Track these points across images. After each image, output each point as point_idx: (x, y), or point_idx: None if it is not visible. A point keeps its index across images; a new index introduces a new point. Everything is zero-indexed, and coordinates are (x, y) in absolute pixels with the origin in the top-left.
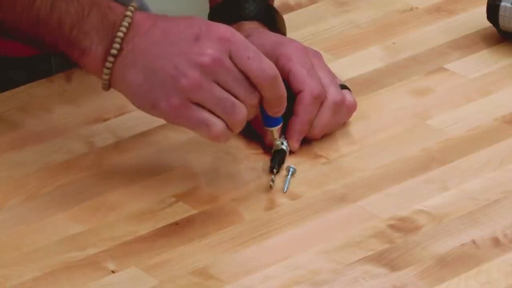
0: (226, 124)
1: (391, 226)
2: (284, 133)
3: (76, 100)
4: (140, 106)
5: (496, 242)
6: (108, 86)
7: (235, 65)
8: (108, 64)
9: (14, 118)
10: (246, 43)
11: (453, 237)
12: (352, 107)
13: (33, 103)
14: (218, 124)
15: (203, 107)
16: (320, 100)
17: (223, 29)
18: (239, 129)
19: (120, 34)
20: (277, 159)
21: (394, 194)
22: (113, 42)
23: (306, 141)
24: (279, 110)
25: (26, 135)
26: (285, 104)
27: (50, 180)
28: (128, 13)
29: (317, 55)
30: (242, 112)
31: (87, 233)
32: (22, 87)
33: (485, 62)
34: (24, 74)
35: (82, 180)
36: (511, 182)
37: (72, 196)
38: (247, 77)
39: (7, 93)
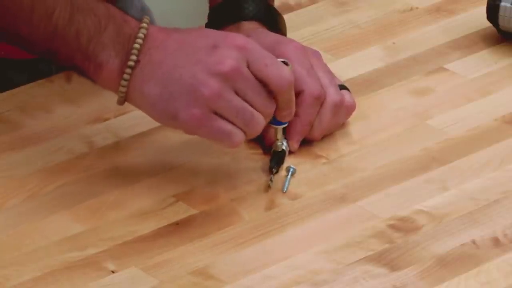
0: (245, 133)
1: (391, 226)
2: (283, 133)
3: (76, 100)
4: (159, 118)
5: (496, 242)
6: (124, 100)
7: (253, 73)
8: (125, 76)
9: (14, 118)
10: (262, 50)
11: (453, 237)
12: (351, 108)
13: (33, 103)
14: (238, 135)
15: (222, 116)
16: (320, 100)
17: (239, 38)
18: (254, 136)
19: (137, 46)
20: (276, 159)
21: (394, 194)
22: (129, 54)
23: (306, 141)
24: (288, 114)
25: (26, 135)
26: (293, 108)
27: (50, 180)
28: (144, 25)
29: (316, 54)
30: (260, 122)
31: (87, 233)
32: (22, 87)
33: (485, 62)
34: (25, 76)
35: (82, 180)
36: (511, 182)
37: (72, 196)
38: (264, 85)
39: (7, 93)
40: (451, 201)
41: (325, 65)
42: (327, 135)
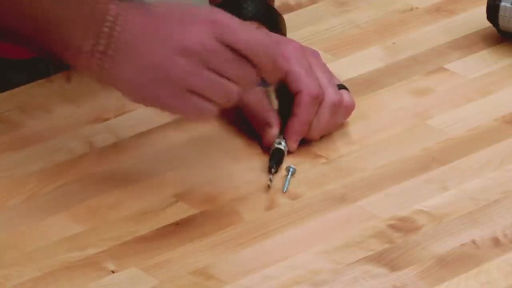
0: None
1: (391, 226)
2: (282, 133)
3: (76, 100)
4: (135, 100)
5: (496, 242)
6: (101, 81)
7: (223, 44)
8: (98, 61)
9: (14, 118)
10: (230, 19)
11: (453, 237)
12: (350, 107)
13: (33, 103)
14: (211, 108)
15: (195, 92)
16: (318, 100)
17: (206, 12)
18: (230, 105)
19: (105, 29)
20: (275, 159)
21: (394, 194)
22: (99, 37)
23: (306, 141)
24: (270, 73)
25: (26, 135)
26: (281, 68)
27: (50, 180)
28: (112, 6)
29: (315, 54)
30: (232, 93)
31: (87, 233)
32: (22, 87)
33: (485, 62)
34: (24, 76)
35: (82, 180)
36: (511, 182)
37: (72, 196)
38: (237, 53)
39: (7, 93)
40: (451, 201)
41: (324, 65)
42: (327, 135)
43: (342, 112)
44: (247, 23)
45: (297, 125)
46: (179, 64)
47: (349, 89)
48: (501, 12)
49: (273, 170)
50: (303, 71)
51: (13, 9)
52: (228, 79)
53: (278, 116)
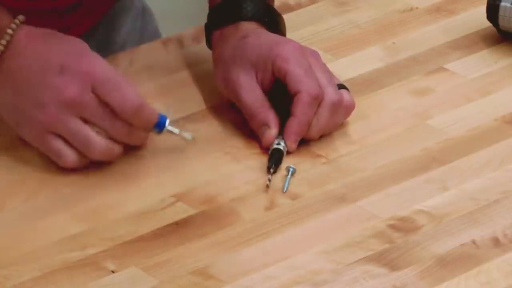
0: (82, 154)
1: (391, 226)
2: (282, 133)
3: None
4: (7, 121)
5: (496, 242)
6: None
7: (98, 98)
8: None
9: None
10: (108, 75)
11: (453, 237)
12: (350, 107)
13: None
14: (69, 155)
15: (60, 136)
16: (318, 100)
17: (87, 63)
18: (99, 158)
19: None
20: (274, 159)
21: (394, 194)
22: None
23: (306, 141)
24: (144, 133)
25: None
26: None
27: (50, 180)
28: (9, 31)
29: (315, 54)
30: (97, 145)
31: (87, 233)
32: None
33: (485, 62)
34: None
35: (82, 180)
36: (511, 182)
37: (72, 196)
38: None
39: None
40: (451, 201)
41: (324, 65)
42: (327, 135)
43: (342, 112)
44: (123, 78)
45: (296, 126)
46: (48, 111)
47: (349, 89)
48: (501, 12)
49: (271, 170)
50: (302, 71)
51: None
52: (104, 129)
53: (277, 116)
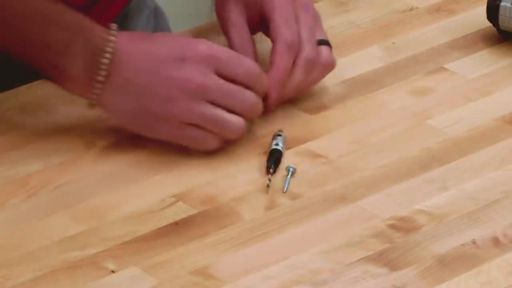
0: (220, 135)
1: (391, 226)
2: (277, 133)
3: (76, 100)
4: (135, 131)
5: (496, 242)
6: (94, 106)
7: (223, 77)
8: (96, 91)
9: (14, 118)
10: (227, 54)
11: (453, 237)
12: (328, 65)
13: (33, 103)
14: (211, 139)
15: (196, 125)
16: (293, 50)
17: (203, 47)
18: (237, 137)
19: (105, 61)
20: (273, 159)
21: (394, 194)
22: (98, 68)
23: (306, 141)
24: (275, 96)
25: (26, 135)
26: (279, 89)
27: (50, 180)
28: (112, 38)
29: (307, 6)
30: (235, 125)
31: (87, 233)
32: (22, 87)
33: (485, 62)
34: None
35: (82, 180)
36: (511, 182)
37: (72, 196)
38: (236, 82)
39: (7, 93)
40: (451, 201)
41: (313, 19)
42: (326, 135)
43: (318, 70)
44: (236, 52)
45: (274, 73)
46: (179, 103)
47: (349, 88)
48: (501, 12)
49: (271, 171)
50: (283, 20)
51: (15, 33)
52: (231, 110)
53: (255, 61)
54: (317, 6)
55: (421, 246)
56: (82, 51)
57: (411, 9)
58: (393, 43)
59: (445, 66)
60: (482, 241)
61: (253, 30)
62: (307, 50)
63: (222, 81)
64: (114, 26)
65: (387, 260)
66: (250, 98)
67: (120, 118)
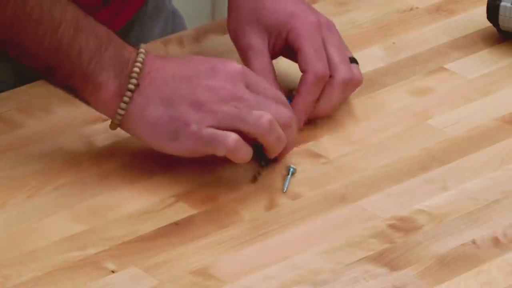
0: (247, 134)
1: (391, 226)
2: None
3: (76, 100)
4: (156, 140)
5: (496, 242)
6: (118, 124)
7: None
8: (125, 99)
9: (14, 118)
10: (257, 76)
11: (453, 237)
12: (359, 83)
13: (33, 103)
14: (231, 135)
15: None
16: (323, 81)
17: (236, 64)
18: (268, 137)
19: (136, 69)
20: (262, 152)
21: (394, 194)
22: (129, 77)
23: (306, 141)
24: (283, 154)
25: (26, 135)
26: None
27: (50, 180)
28: (142, 50)
29: (330, 27)
30: (263, 115)
31: (87, 233)
32: (22, 87)
33: (485, 62)
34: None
35: (82, 180)
36: (511, 182)
37: (72, 196)
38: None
39: (7, 93)
40: (451, 201)
41: (338, 37)
42: (327, 135)
43: (351, 89)
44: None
45: (301, 104)
46: (208, 106)
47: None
48: (501, 12)
49: (262, 163)
50: (313, 50)
51: (50, 38)
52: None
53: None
54: (317, 6)
55: (421, 246)
56: (114, 61)
57: (411, 9)
58: (394, 43)
59: (445, 66)
60: (482, 241)
61: (273, 56)
62: (343, 71)
63: (252, 93)
64: (143, 44)
65: (387, 260)
66: (283, 108)
67: (144, 127)
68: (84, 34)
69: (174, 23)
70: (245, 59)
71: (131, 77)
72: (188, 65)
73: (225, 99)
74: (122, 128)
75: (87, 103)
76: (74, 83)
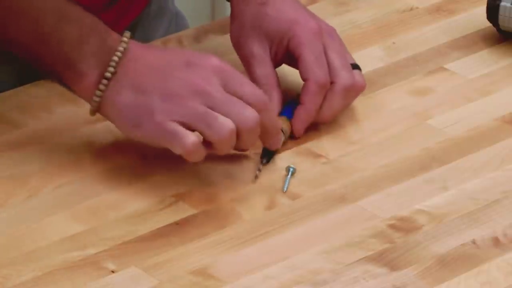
0: (206, 138)
1: (391, 226)
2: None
3: (76, 100)
4: (122, 126)
5: (496, 242)
6: (96, 110)
7: (228, 92)
8: (101, 87)
9: (14, 118)
10: (237, 72)
11: (453, 237)
12: (361, 88)
13: (33, 103)
14: (190, 136)
15: (184, 125)
16: (325, 88)
17: (214, 59)
18: (223, 138)
19: (115, 58)
20: (265, 150)
21: (394, 194)
22: (108, 66)
23: (306, 141)
24: (274, 142)
25: (26, 135)
26: (279, 136)
27: (50, 180)
28: (124, 39)
29: (331, 33)
30: (226, 124)
31: (87, 233)
32: (22, 87)
33: (485, 62)
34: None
35: (82, 180)
36: (511, 182)
37: (72, 196)
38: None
39: (7, 93)
40: (451, 201)
41: (339, 44)
42: (327, 135)
43: (353, 95)
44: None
45: (304, 114)
46: (178, 98)
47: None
48: (501, 12)
49: (263, 161)
50: (313, 57)
51: (28, 25)
52: (229, 115)
53: (280, 95)
54: (317, 6)
55: (421, 246)
56: (96, 49)
57: (411, 9)
58: (393, 43)
59: (445, 66)
60: (482, 241)
61: (276, 64)
62: (345, 77)
63: (225, 92)
64: (127, 33)
65: (387, 260)
66: (249, 112)
67: (114, 113)
68: (67, 24)
69: (177, 24)
70: (248, 68)
71: (109, 66)
72: (166, 56)
73: (195, 95)
74: (100, 114)
75: (71, 90)
76: (58, 71)
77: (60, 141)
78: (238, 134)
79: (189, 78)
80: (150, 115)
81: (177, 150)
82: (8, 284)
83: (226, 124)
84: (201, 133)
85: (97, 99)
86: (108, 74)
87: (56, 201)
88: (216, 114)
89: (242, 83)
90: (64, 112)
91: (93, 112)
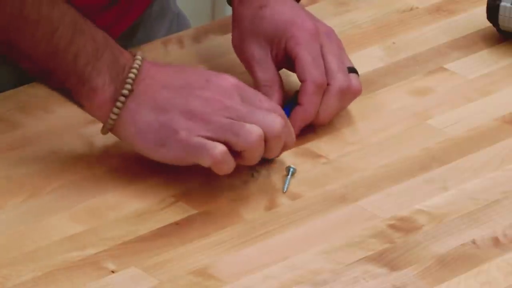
0: (232, 147)
1: (391, 226)
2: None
3: None
4: (144, 145)
5: (496, 242)
6: (110, 128)
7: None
8: (118, 104)
9: (14, 118)
10: (253, 89)
11: (453, 237)
12: (357, 92)
13: (33, 103)
14: (218, 146)
15: (209, 138)
16: (322, 89)
17: (231, 78)
18: (252, 145)
19: (132, 75)
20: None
21: (394, 194)
22: (124, 83)
23: (306, 141)
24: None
25: (26, 135)
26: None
27: (50, 180)
28: (138, 57)
29: (329, 34)
30: (254, 131)
31: (87, 233)
32: (22, 87)
33: (485, 62)
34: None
35: (82, 180)
36: (511, 182)
37: (72, 196)
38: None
39: (7, 93)
40: (451, 201)
41: (337, 46)
42: (327, 135)
43: (349, 98)
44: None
45: (301, 114)
46: (200, 115)
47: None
48: (501, 12)
49: (262, 160)
50: (310, 58)
51: (47, 41)
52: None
53: (282, 96)
54: (317, 6)
55: (421, 246)
56: (109, 65)
57: (411, 9)
58: (393, 43)
59: (445, 66)
60: (482, 241)
61: (278, 66)
62: (340, 79)
63: (245, 104)
64: (140, 52)
65: (387, 260)
66: (274, 117)
67: (133, 133)
68: (82, 38)
69: (179, 24)
70: (250, 71)
71: (126, 83)
72: (183, 74)
73: (218, 110)
74: (113, 133)
75: (82, 106)
76: (70, 86)
77: (60, 141)
78: (265, 140)
79: (210, 96)
80: (174, 134)
81: (206, 162)
82: (8, 284)
83: (253, 130)
84: (228, 143)
85: (114, 116)
86: (125, 92)
87: (56, 201)
88: (242, 122)
89: (260, 99)
90: (64, 112)
91: (106, 131)
